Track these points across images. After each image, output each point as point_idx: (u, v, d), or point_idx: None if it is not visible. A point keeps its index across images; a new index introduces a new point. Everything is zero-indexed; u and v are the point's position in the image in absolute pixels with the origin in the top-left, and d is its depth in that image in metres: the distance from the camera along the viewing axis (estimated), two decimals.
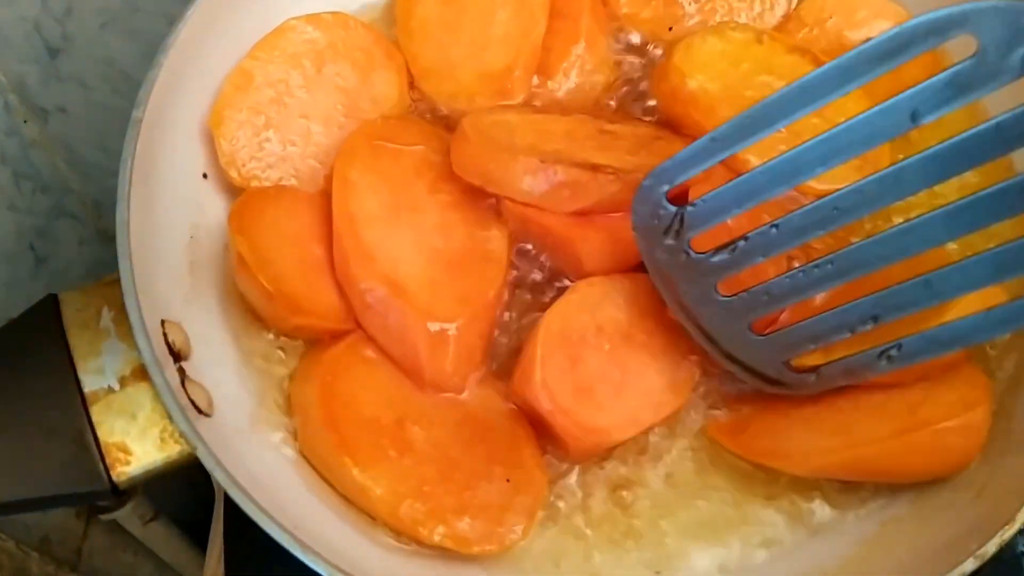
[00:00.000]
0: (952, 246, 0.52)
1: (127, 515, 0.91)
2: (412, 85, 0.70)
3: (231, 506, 0.56)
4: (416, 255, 0.61)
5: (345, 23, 0.68)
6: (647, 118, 0.70)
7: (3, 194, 0.89)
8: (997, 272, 0.47)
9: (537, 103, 0.69)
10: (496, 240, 0.63)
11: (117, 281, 0.55)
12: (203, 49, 0.64)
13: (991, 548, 0.51)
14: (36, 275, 0.95)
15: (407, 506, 0.55)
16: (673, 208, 0.54)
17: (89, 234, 0.98)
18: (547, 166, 0.60)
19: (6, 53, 0.83)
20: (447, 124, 0.68)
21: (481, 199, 0.64)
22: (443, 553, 0.56)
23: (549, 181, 0.60)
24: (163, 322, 0.57)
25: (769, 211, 0.55)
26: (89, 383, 0.56)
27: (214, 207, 0.65)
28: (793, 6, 0.73)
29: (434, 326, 0.59)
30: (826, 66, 0.48)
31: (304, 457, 0.59)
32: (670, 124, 0.67)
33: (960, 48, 0.46)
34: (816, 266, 0.52)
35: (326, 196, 0.63)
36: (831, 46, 0.70)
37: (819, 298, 0.58)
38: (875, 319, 0.52)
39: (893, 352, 0.53)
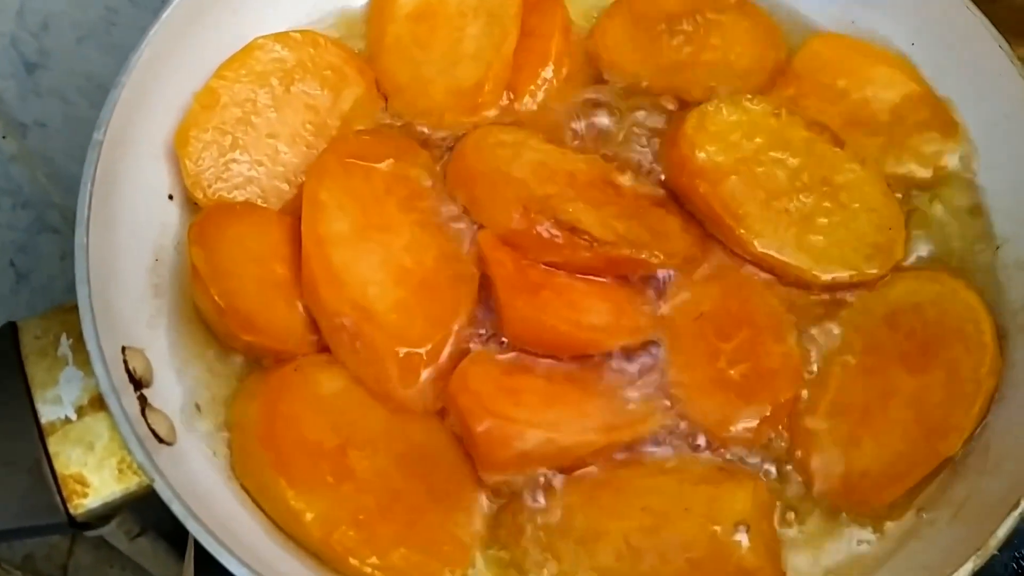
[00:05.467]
0: None
1: (113, 531, 0.89)
2: (384, 100, 0.69)
3: None
4: (385, 277, 0.60)
5: (315, 41, 0.67)
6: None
7: None
8: None
9: (508, 120, 0.68)
10: (467, 259, 0.62)
11: (76, 307, 0.53)
12: (168, 68, 0.63)
13: (964, 572, 0.50)
14: (17, 291, 0.94)
15: (340, 533, 0.54)
16: None
17: (71, 249, 0.97)
18: (528, 216, 0.60)
19: None
20: (421, 140, 0.67)
21: (453, 217, 0.63)
22: None
23: (526, 229, 0.60)
24: (124, 348, 0.55)
25: None
26: (46, 413, 0.55)
27: (180, 229, 0.64)
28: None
29: (404, 351, 0.58)
30: None
31: (236, 478, 0.57)
32: (676, 191, 0.66)
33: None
34: None
35: (293, 216, 0.63)
36: (845, 112, 0.69)
37: None
38: None
39: None
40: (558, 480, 0.58)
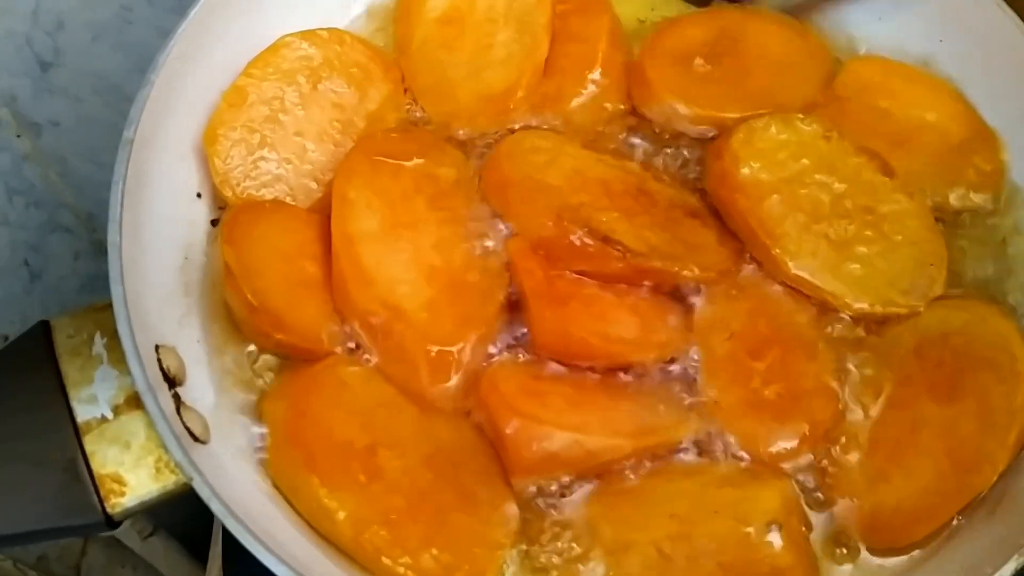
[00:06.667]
0: None
1: (126, 531, 0.90)
2: (410, 97, 0.69)
3: None
4: (415, 275, 0.60)
5: (341, 39, 0.67)
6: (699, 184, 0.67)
7: None
8: None
9: (545, 127, 0.68)
10: (496, 255, 0.62)
11: (109, 306, 0.53)
12: (195, 66, 0.62)
13: (1007, 572, 0.50)
14: (30, 290, 0.94)
15: (372, 533, 0.53)
16: None
17: (83, 247, 0.97)
18: (561, 224, 0.60)
19: None
20: (451, 140, 0.67)
21: (483, 216, 0.63)
22: None
23: (558, 237, 0.60)
24: (157, 347, 0.55)
25: None
26: (82, 412, 0.55)
27: (208, 228, 0.64)
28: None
29: (435, 349, 0.58)
30: None
31: (268, 476, 0.57)
32: (716, 204, 0.65)
33: None
34: None
35: (321, 214, 0.63)
36: (889, 134, 0.67)
37: None
38: None
39: None
40: (581, 491, 0.58)
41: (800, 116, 0.64)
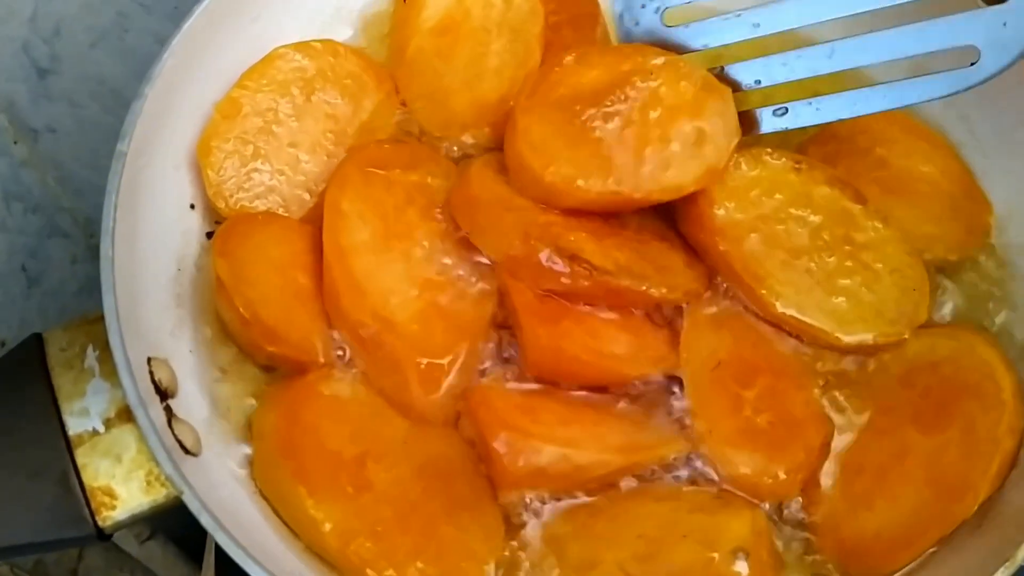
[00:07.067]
0: None
1: (123, 534, 0.90)
2: (404, 107, 0.69)
3: None
4: (407, 287, 0.60)
5: (334, 50, 0.67)
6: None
7: None
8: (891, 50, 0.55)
9: None
10: (487, 269, 0.62)
11: (102, 318, 0.53)
12: (189, 78, 0.62)
13: None
14: (28, 295, 0.94)
15: (358, 544, 0.54)
16: None
17: (81, 252, 0.97)
18: (528, 243, 0.59)
19: None
20: (442, 151, 0.68)
21: None
22: None
23: (526, 256, 0.59)
24: (149, 359, 0.56)
25: None
26: (73, 425, 0.55)
27: (201, 238, 0.64)
28: None
29: (424, 361, 0.59)
30: None
31: (257, 487, 0.57)
32: (696, 248, 0.63)
33: None
34: None
35: (314, 225, 0.63)
36: (886, 177, 0.67)
37: None
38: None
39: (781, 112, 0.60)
40: (551, 508, 0.58)
41: (768, 150, 0.63)
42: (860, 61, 0.59)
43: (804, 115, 0.62)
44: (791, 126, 0.62)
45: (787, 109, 0.62)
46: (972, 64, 0.55)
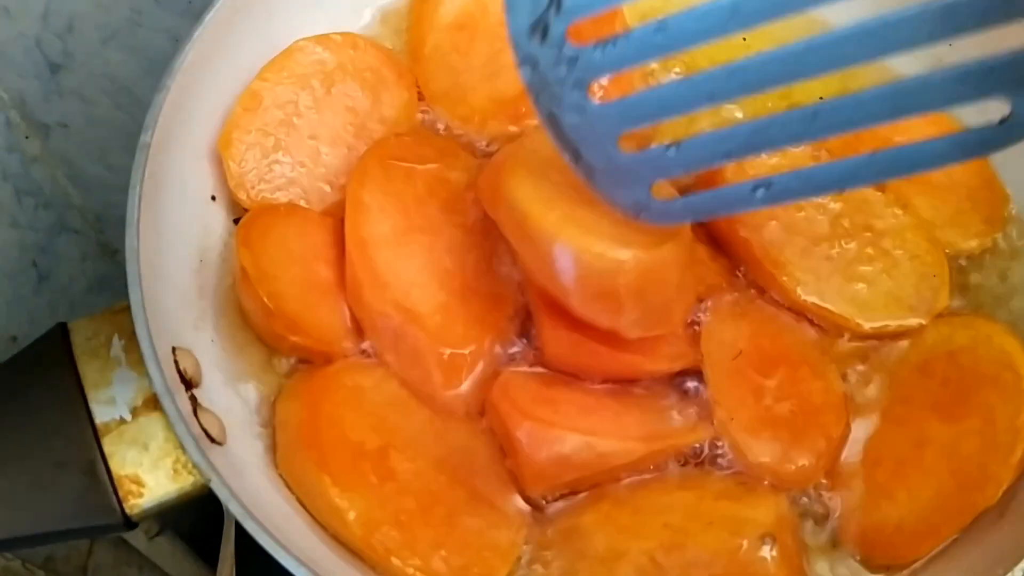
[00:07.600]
0: None
1: (132, 531, 0.90)
2: (423, 101, 0.70)
3: (243, 529, 0.55)
4: (429, 279, 0.61)
5: (354, 43, 0.68)
6: None
7: (4, 211, 0.88)
8: (891, 111, 0.43)
9: None
10: (509, 260, 0.62)
11: (127, 309, 0.54)
12: (210, 71, 0.62)
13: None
14: (39, 291, 0.94)
15: (382, 533, 0.54)
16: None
17: (92, 249, 0.97)
18: None
19: (7, 69, 0.82)
20: (462, 144, 0.68)
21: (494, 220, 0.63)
22: None
23: None
24: (174, 349, 0.56)
25: None
26: (100, 414, 0.55)
27: (222, 231, 0.64)
28: None
29: (447, 352, 0.59)
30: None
31: (280, 476, 0.58)
32: (715, 236, 0.64)
33: None
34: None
35: (335, 217, 0.63)
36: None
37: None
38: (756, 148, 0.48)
39: (763, 189, 0.48)
40: (575, 499, 0.58)
41: None
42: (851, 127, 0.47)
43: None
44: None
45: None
46: (1002, 123, 0.43)
